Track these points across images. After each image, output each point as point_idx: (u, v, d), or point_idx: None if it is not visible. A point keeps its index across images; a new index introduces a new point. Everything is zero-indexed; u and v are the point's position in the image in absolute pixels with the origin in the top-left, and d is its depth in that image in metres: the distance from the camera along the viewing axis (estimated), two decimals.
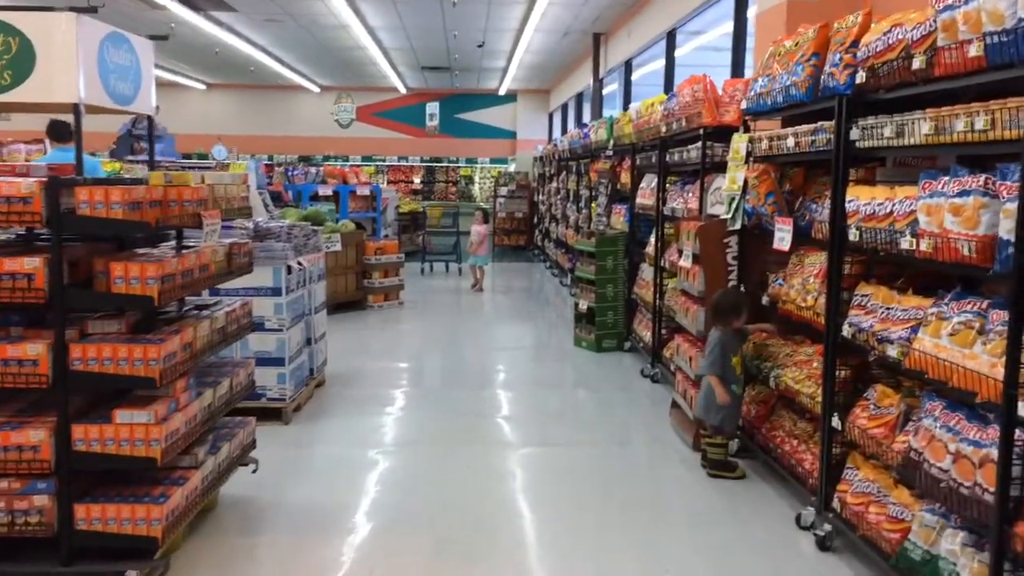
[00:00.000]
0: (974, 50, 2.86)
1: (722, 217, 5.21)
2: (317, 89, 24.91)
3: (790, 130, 4.39)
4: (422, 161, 25.94)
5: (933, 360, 3.08)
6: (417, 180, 25.97)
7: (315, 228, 6.76)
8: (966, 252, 2.91)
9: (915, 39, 3.22)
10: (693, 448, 5.28)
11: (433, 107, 23.06)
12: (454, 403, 6.56)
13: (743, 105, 5.06)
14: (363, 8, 13.91)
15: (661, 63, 14.44)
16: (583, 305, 8.63)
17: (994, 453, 2.74)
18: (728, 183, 5.12)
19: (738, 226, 5.06)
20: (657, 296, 7.28)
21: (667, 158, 7.03)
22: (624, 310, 8.53)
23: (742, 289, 5.07)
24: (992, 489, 2.72)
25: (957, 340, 3.00)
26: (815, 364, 4.28)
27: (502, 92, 24.76)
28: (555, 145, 15.24)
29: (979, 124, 2.83)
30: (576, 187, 12.44)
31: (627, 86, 14.05)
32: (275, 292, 5.77)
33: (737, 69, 8.21)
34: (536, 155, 19.47)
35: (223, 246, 3.92)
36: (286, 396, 5.82)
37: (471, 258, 12.92)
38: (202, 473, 3.73)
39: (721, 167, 5.98)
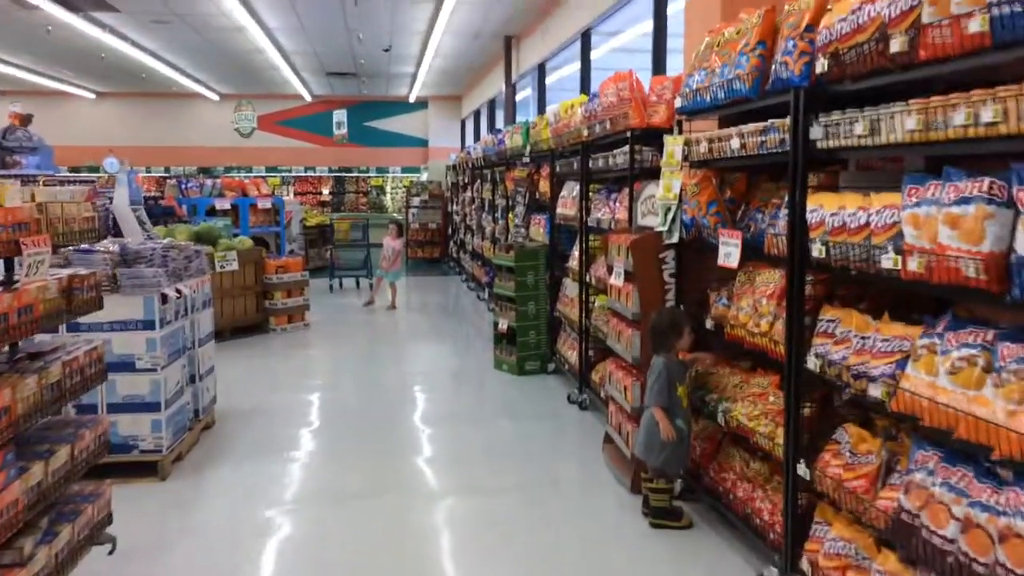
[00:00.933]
0: (975, 25, 2.34)
1: (657, 230, 4.66)
2: (216, 97, 23.69)
3: (734, 130, 3.86)
4: (331, 171, 24.97)
5: (930, 404, 2.55)
6: (326, 191, 24.99)
7: (197, 249, 5.94)
8: (970, 273, 2.39)
9: (893, 16, 2.70)
10: (631, 490, 4.70)
11: (341, 115, 22.17)
12: (367, 443, 5.82)
13: (677, 103, 4.52)
14: (258, 8, 13.02)
15: (576, 66, 14.01)
16: (503, 324, 8.00)
17: (1020, 525, 2.22)
18: (663, 191, 4.58)
19: (675, 239, 4.52)
20: (583, 315, 6.71)
21: (590, 164, 6.48)
22: (547, 329, 7.94)
23: (681, 309, 4.52)
24: (1020, 572, 2.19)
25: (959, 380, 2.48)
26: (771, 398, 3.75)
27: (412, 99, 24.03)
28: (468, 153, 14.62)
29: (986, 116, 2.31)
30: (492, 196, 11.83)
31: (541, 90, 13.54)
32: (147, 326, 4.95)
33: (659, 68, 7.74)
34: (449, 163, 18.82)
35: (57, 280, 3.14)
36: (163, 447, 5.00)
37: (383, 273, 12.11)
38: (31, 571, 2.94)
39: (651, 173, 5.46)
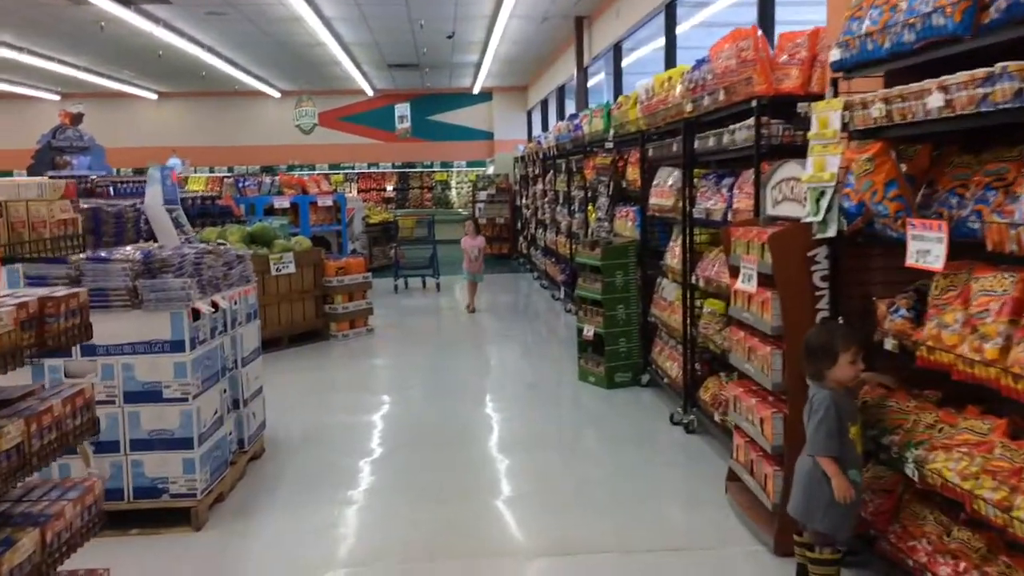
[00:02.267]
0: None
1: (804, 220, 3.64)
2: (278, 95, 23.21)
3: (933, 83, 2.82)
4: (394, 167, 24.30)
5: None
6: (390, 187, 24.33)
7: (239, 254, 5.13)
8: None
9: None
10: (775, 551, 3.69)
11: (403, 108, 21.46)
12: (436, 478, 4.92)
13: (833, 56, 3.48)
14: None
15: (654, 47, 12.95)
16: (588, 331, 7.03)
17: None
18: (813, 171, 3.55)
19: (831, 232, 3.49)
20: (688, 322, 5.70)
21: (695, 145, 5.46)
22: (639, 336, 6.95)
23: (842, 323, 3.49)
24: None
25: None
26: (997, 451, 2.70)
27: (476, 90, 23.18)
28: (538, 143, 13.68)
29: None
30: (567, 188, 10.86)
31: (617, 73, 12.50)
32: (175, 347, 4.13)
33: (766, 30, 6.65)
34: (517, 155, 17.90)
35: (16, 307, 2.28)
36: (197, 490, 4.17)
37: (468, 275, 11.16)
38: None
39: (781, 152, 4.43)
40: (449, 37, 15.58)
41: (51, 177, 10.80)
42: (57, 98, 22.57)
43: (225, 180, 13.31)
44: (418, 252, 13.81)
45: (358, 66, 19.03)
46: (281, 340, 8.78)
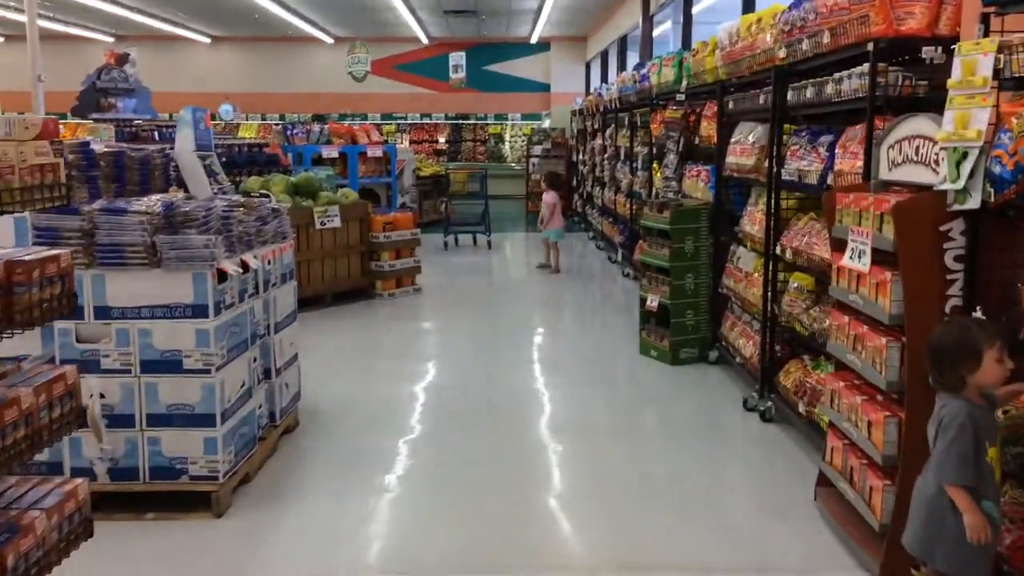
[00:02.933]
0: None
1: (938, 188, 3.00)
2: (331, 40, 22.68)
3: None
4: (447, 119, 23.69)
5: None
6: (442, 139, 23.74)
7: (275, 208, 4.65)
8: None
9: None
10: None
11: (458, 57, 20.73)
12: (483, 467, 4.42)
13: None
14: None
15: None
16: (652, 301, 6.46)
17: None
18: (954, 127, 2.90)
19: (975, 204, 2.86)
20: (769, 298, 5.09)
21: (788, 97, 4.79)
22: (709, 308, 6.36)
23: (979, 316, 2.87)
24: None
25: None
26: None
27: (534, 40, 22.35)
28: (599, 95, 12.96)
29: None
30: (629, 144, 10.19)
31: (686, 22, 11.67)
32: (197, 312, 3.67)
33: None
34: (575, 108, 17.16)
35: None
36: (219, 472, 3.75)
37: (545, 233, 10.68)
38: None
39: (897, 105, 3.77)
40: None
41: (95, 119, 10.50)
42: (111, 40, 22.36)
43: (274, 128, 12.89)
44: (469, 208, 13.29)
45: (412, 11, 18.36)
46: (324, 298, 8.36)
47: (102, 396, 3.65)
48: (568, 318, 8.32)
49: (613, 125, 11.45)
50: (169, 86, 22.88)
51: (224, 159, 10.99)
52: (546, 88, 23.37)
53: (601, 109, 12.73)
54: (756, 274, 5.43)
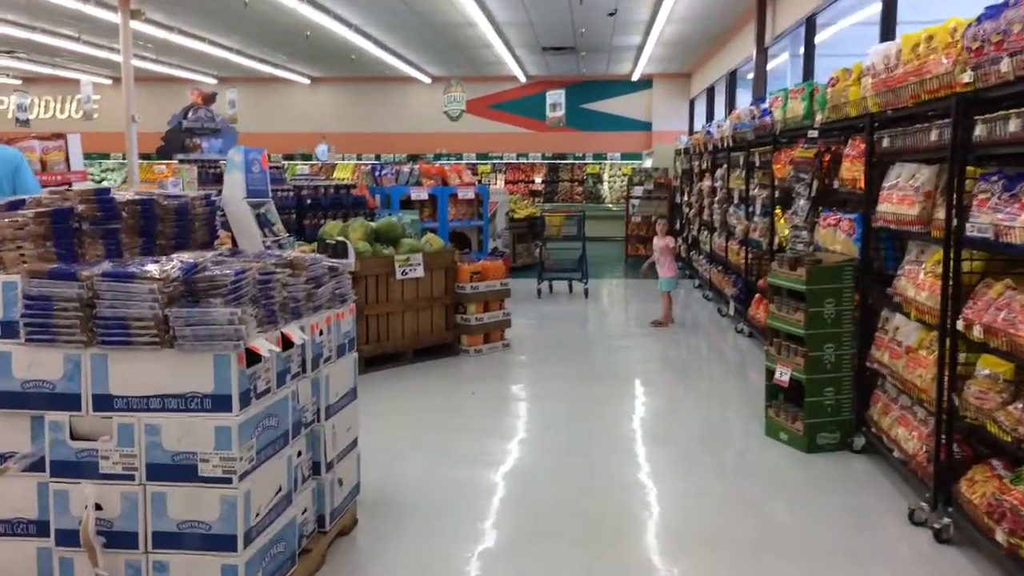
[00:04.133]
0: None
1: None
2: (428, 80, 22.42)
3: None
4: (544, 158, 23.02)
5: None
6: (538, 179, 23.07)
7: (332, 266, 3.88)
8: None
9: None
10: None
11: (556, 95, 20.05)
12: None
13: None
14: None
15: (857, 19, 10.99)
16: (782, 374, 5.41)
17: None
18: None
19: None
20: (946, 384, 4.00)
21: (975, 132, 3.75)
22: (853, 385, 5.27)
23: None
24: None
25: None
26: None
27: (636, 77, 21.57)
28: (708, 133, 11.97)
29: None
30: (744, 186, 9.16)
31: (808, 54, 10.62)
32: (218, 404, 2.90)
33: None
34: (679, 147, 16.17)
35: None
36: None
37: (661, 284, 9.75)
38: None
39: None
40: (611, 15, 14.08)
41: (180, 160, 10.14)
42: (214, 81, 22.68)
43: (361, 168, 12.38)
44: (565, 253, 12.42)
45: (510, 49, 17.84)
46: (404, 355, 7.60)
47: (98, 508, 2.90)
48: (676, 383, 7.31)
49: (725, 165, 10.44)
50: (268, 127, 23.09)
51: (309, 201, 10.55)
52: (647, 127, 22.48)
53: (710, 148, 11.73)
54: (924, 352, 4.35)
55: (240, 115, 21.22)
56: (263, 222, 4.27)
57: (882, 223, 4.88)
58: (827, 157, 6.33)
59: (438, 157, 22.24)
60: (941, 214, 4.30)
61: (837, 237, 5.73)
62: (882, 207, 4.88)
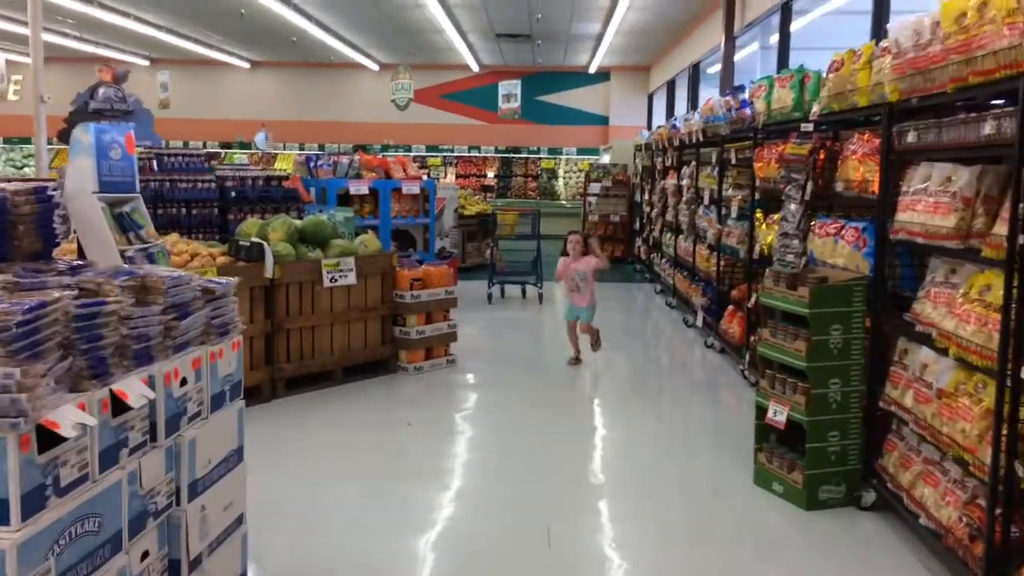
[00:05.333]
0: None
1: None
2: (376, 67, 21.27)
3: None
4: (497, 151, 22.03)
5: None
6: (491, 174, 22.07)
7: (207, 286, 2.86)
8: None
9: None
10: None
11: (511, 86, 19.06)
12: None
13: None
14: None
15: (834, 5, 10.24)
16: (778, 413, 4.53)
17: None
18: None
19: None
20: (1004, 444, 3.14)
21: None
22: (863, 429, 4.41)
23: None
24: None
25: None
26: None
27: (593, 69, 20.69)
28: (673, 127, 11.12)
29: None
30: (717, 186, 8.30)
31: (784, 43, 9.79)
32: None
33: None
34: (639, 142, 15.33)
35: None
36: None
37: (571, 312, 7.60)
38: None
39: None
40: None
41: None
42: (147, 64, 21.23)
43: (295, 159, 11.28)
44: (518, 254, 11.47)
45: (463, 35, 16.81)
46: (333, 374, 6.58)
47: None
48: (644, 411, 6.40)
49: (693, 163, 9.58)
50: (204, 112, 21.72)
51: (234, 194, 9.44)
52: (604, 121, 21.64)
53: (676, 143, 10.87)
54: (966, 400, 3.48)
55: (174, 100, 19.86)
56: (126, 225, 3.25)
57: (904, 235, 4.02)
58: (822, 154, 5.48)
59: (385, 148, 21.12)
60: (981, 225, 3.46)
61: (839, 249, 4.86)
62: (904, 216, 4.02)
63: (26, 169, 21.31)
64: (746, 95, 7.32)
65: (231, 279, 3.02)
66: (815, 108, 5.41)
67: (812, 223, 5.39)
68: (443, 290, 7.28)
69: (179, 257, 5.67)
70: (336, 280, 6.51)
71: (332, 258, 6.53)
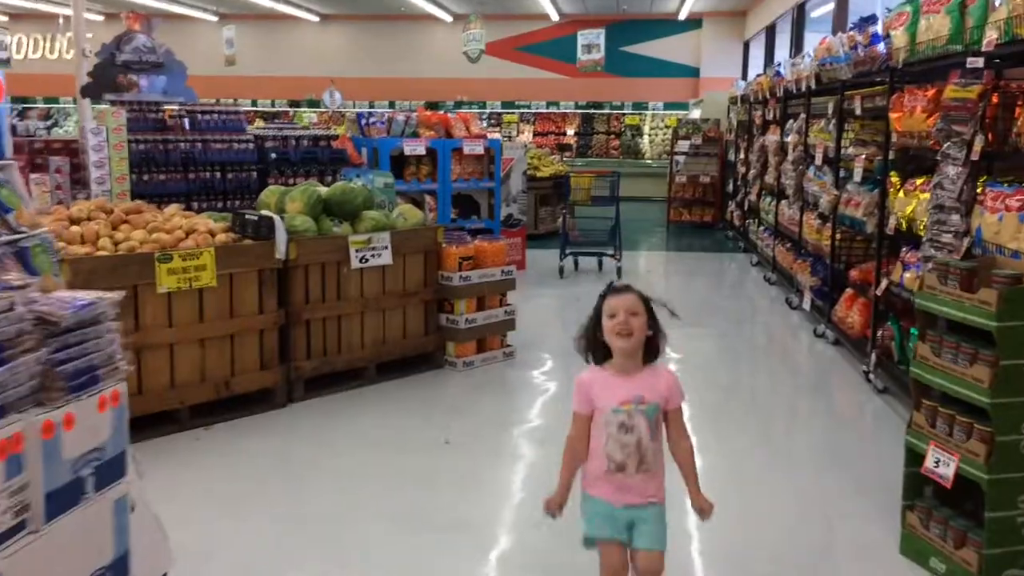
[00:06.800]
0: None
1: None
2: (449, 18, 20.04)
3: None
4: (577, 107, 20.59)
5: None
6: (570, 131, 20.67)
7: (42, 314, 1.76)
8: None
9: None
10: None
11: (592, 35, 17.53)
12: None
13: None
14: None
15: None
16: (942, 463, 3.21)
17: None
18: None
19: None
20: None
21: None
22: None
23: None
24: None
25: None
26: None
27: (683, 16, 18.97)
28: (777, 75, 9.60)
29: None
30: (834, 142, 6.85)
31: None
32: None
33: None
34: (734, 94, 13.74)
35: None
36: None
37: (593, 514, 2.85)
38: None
39: None
40: None
41: (112, 102, 8.07)
42: (215, 19, 20.50)
43: (346, 116, 10.22)
44: (595, 222, 10.17)
45: None
46: (364, 371, 5.52)
47: None
48: (744, 427, 5.11)
49: (802, 115, 8.09)
50: (271, 69, 20.88)
51: (274, 156, 8.48)
52: (695, 73, 19.94)
53: (779, 93, 9.36)
54: None
55: (240, 56, 19.11)
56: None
57: None
58: (995, 98, 4.06)
59: (459, 105, 19.94)
60: None
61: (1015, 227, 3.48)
62: None
63: (58, 129, 20.65)
64: (878, 27, 5.83)
65: (104, 296, 1.91)
66: (990, 35, 3.97)
67: (981, 192, 4.00)
68: (499, 270, 6.11)
69: (169, 235, 4.65)
70: (367, 260, 5.41)
71: (362, 234, 5.42)
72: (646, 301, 2.64)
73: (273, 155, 8.37)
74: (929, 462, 3.25)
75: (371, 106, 20.52)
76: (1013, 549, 3.07)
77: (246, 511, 3.78)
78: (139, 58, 8.38)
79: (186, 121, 8.16)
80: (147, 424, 4.52)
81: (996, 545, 3.05)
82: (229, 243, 4.81)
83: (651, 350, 2.65)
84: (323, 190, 5.55)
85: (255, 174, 8.28)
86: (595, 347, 2.67)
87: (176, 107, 8.44)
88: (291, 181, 8.25)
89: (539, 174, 12.24)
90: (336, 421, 4.91)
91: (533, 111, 20.69)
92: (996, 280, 3.02)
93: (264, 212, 5.05)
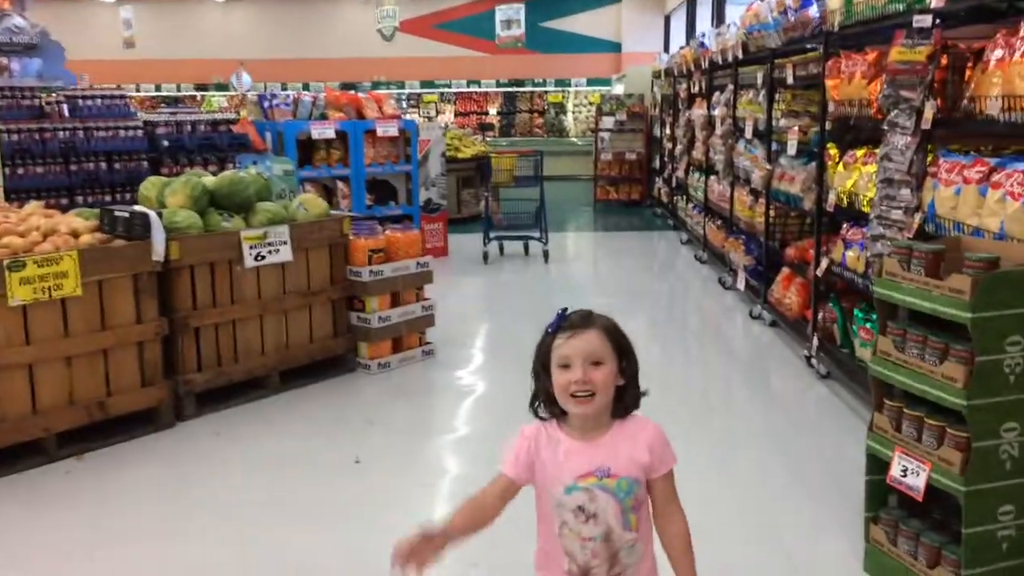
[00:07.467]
0: None
1: None
2: None
3: None
4: (498, 85, 20.07)
5: None
6: (493, 111, 20.16)
7: None
8: None
9: None
10: None
11: (512, 11, 17.05)
12: None
13: None
14: None
15: None
16: (910, 472, 2.85)
17: None
18: None
19: None
20: None
21: None
22: None
23: None
24: None
25: None
26: None
27: None
28: (701, 46, 9.25)
29: None
30: (765, 114, 6.50)
31: None
32: None
33: None
34: (659, 67, 13.41)
35: None
36: None
37: None
38: None
39: None
40: None
41: None
42: (111, 0, 19.29)
43: (247, 96, 9.50)
44: (519, 204, 9.71)
45: None
46: (267, 380, 4.95)
47: None
48: (675, 419, 4.70)
49: (730, 86, 7.74)
50: (174, 52, 19.79)
51: (167, 143, 7.79)
52: (617, 48, 19.62)
53: (704, 65, 9.01)
54: None
55: (141, 38, 18.04)
56: None
57: None
58: (944, 60, 3.72)
59: (376, 86, 19.21)
60: None
61: (991, 204, 3.13)
62: None
63: None
64: None
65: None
66: None
67: (933, 163, 3.65)
68: (414, 262, 5.59)
69: (23, 239, 4.00)
70: (264, 257, 4.83)
71: (256, 228, 4.84)
72: (615, 337, 1.87)
73: (165, 142, 7.68)
74: (895, 471, 2.88)
75: (284, 88, 19.62)
76: (994, 567, 2.72)
77: (119, 559, 3.21)
78: (10, 39, 7.60)
79: (65, 107, 7.40)
80: (6, 458, 3.90)
81: (976, 564, 2.70)
82: (96, 245, 4.18)
83: (624, 402, 1.91)
84: (209, 180, 4.94)
85: (146, 163, 7.61)
86: (549, 401, 1.92)
87: (54, 92, 7.65)
88: (187, 170, 7.59)
89: (460, 155, 11.71)
90: (232, 441, 4.35)
91: (454, 90, 20.11)
92: (969, 265, 2.65)
93: (137, 208, 4.43)
